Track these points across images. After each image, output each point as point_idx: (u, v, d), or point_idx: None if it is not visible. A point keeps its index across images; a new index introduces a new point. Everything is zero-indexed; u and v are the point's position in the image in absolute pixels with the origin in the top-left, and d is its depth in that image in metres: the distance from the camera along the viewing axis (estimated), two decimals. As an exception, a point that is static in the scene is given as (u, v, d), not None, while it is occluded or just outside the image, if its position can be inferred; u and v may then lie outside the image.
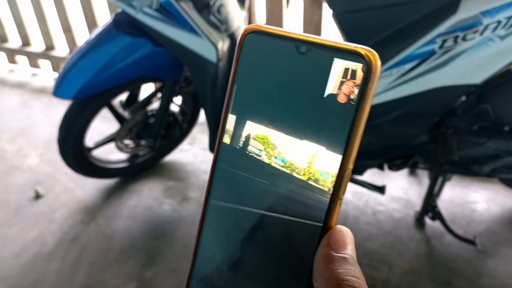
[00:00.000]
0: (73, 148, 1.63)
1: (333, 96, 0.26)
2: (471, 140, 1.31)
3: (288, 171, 0.27)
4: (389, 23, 1.24)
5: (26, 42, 3.00)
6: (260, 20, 2.14)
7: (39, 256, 1.53)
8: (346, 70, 0.25)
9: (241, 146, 0.28)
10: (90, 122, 1.62)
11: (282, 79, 0.27)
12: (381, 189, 1.47)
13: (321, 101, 0.26)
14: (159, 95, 1.76)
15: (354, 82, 0.25)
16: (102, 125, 2.08)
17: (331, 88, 0.26)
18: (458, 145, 1.31)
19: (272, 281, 0.28)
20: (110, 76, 1.51)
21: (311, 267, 0.27)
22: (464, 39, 1.13)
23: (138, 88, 1.79)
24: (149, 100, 1.79)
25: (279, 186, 0.27)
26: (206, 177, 1.89)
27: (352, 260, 0.26)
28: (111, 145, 1.81)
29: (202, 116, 1.91)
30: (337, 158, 0.26)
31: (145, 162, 1.92)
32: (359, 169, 1.48)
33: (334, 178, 0.26)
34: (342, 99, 0.25)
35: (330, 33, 2.42)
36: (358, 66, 0.25)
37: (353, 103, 0.25)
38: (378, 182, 1.56)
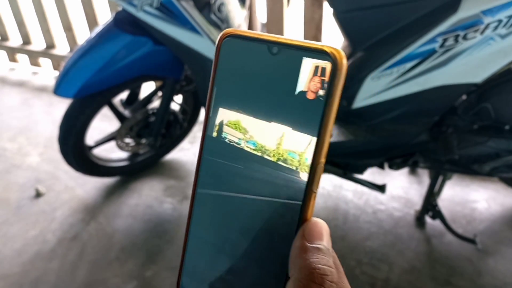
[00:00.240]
0: (73, 147, 1.63)
1: (303, 93, 0.27)
2: (472, 139, 1.31)
3: (264, 157, 0.28)
4: (389, 22, 1.24)
5: (26, 40, 3.00)
6: (261, 18, 2.14)
7: (40, 255, 1.53)
8: (316, 68, 0.26)
9: (222, 138, 0.30)
10: (91, 120, 1.63)
11: (257, 79, 0.28)
12: (381, 188, 1.47)
13: (293, 98, 0.27)
14: (160, 93, 1.76)
15: (322, 79, 0.26)
16: (103, 123, 2.08)
17: (301, 85, 0.27)
18: (458, 144, 1.31)
19: (257, 268, 0.29)
20: (110, 74, 1.51)
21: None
22: (465, 38, 1.13)
23: (139, 87, 1.79)
24: (149, 98, 1.79)
25: (258, 171, 0.29)
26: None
27: (325, 250, 0.26)
28: (112, 144, 1.82)
29: (202, 114, 1.91)
30: (310, 153, 0.27)
31: (146, 160, 1.92)
32: (360, 168, 1.48)
33: (308, 171, 0.27)
34: (311, 95, 0.27)
35: (331, 31, 2.42)
36: (325, 64, 0.26)
37: (321, 99, 0.26)
38: (378, 181, 1.56)
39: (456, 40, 1.14)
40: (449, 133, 1.32)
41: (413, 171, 1.84)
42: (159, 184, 1.88)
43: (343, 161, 1.46)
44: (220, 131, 0.30)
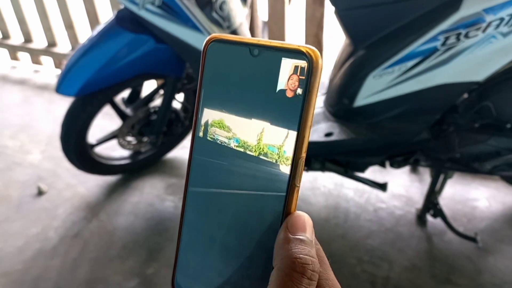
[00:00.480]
0: (75, 145, 1.63)
1: (283, 91, 0.28)
2: (473, 137, 1.31)
3: (246, 152, 0.30)
4: (391, 20, 1.24)
5: (28, 38, 3.00)
6: (262, 16, 2.14)
7: (42, 252, 1.53)
8: (295, 67, 0.28)
9: (208, 137, 0.32)
10: (93, 119, 1.63)
11: (241, 80, 0.30)
12: (382, 186, 1.47)
13: (274, 96, 0.29)
14: (161, 92, 1.77)
15: (300, 78, 0.28)
16: (105, 121, 2.08)
17: (281, 84, 0.28)
18: (459, 142, 1.31)
19: (247, 261, 0.30)
20: (112, 73, 1.51)
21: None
22: (466, 36, 1.13)
23: (141, 85, 1.79)
24: (151, 97, 1.80)
25: (242, 167, 0.30)
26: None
27: (308, 241, 0.28)
28: (113, 142, 1.82)
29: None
30: (288, 146, 0.28)
31: (147, 158, 1.93)
32: (361, 166, 1.48)
33: (290, 165, 0.28)
34: (290, 93, 0.28)
35: (332, 29, 2.42)
36: (302, 64, 0.28)
37: (300, 97, 0.28)
38: (379, 179, 1.57)
39: (457, 39, 1.14)
40: (450, 131, 1.32)
41: (414, 170, 1.84)
42: (161, 182, 1.88)
43: (344, 159, 1.46)
44: (206, 130, 0.32)
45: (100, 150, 1.84)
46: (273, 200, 0.29)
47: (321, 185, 1.79)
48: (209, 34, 1.41)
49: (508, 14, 1.08)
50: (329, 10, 1.97)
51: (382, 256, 1.44)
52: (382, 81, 1.26)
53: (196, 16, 1.39)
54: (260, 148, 0.29)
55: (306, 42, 2.13)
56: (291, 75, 0.28)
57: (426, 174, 1.80)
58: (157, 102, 1.81)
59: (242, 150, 0.30)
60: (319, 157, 1.45)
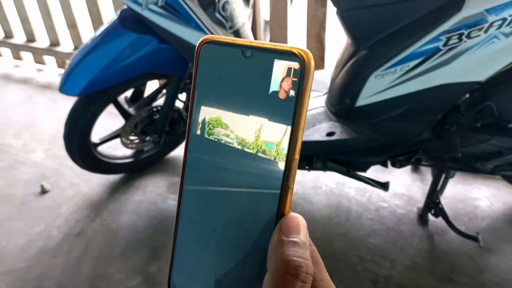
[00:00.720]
0: (79, 144, 1.64)
1: (276, 93, 0.28)
2: (475, 137, 1.32)
3: (244, 150, 0.30)
4: (393, 20, 1.24)
5: (31, 38, 3.01)
6: (265, 16, 2.14)
7: (45, 250, 1.54)
8: (288, 69, 0.28)
9: (205, 135, 0.32)
10: (96, 118, 1.64)
11: (234, 81, 0.30)
12: (384, 186, 1.48)
13: (267, 98, 0.29)
14: (164, 91, 1.77)
15: (293, 79, 0.28)
16: (108, 121, 2.09)
17: (274, 86, 0.28)
18: (461, 142, 1.32)
19: (243, 261, 0.30)
20: (115, 72, 1.52)
21: None
22: (468, 36, 1.14)
23: (144, 85, 1.80)
24: (154, 96, 1.80)
25: (240, 164, 0.30)
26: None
27: (301, 243, 0.27)
28: (117, 141, 1.83)
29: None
30: (286, 143, 0.28)
31: (150, 157, 1.93)
32: (363, 165, 1.49)
33: (284, 169, 0.28)
34: (283, 95, 0.28)
35: (334, 30, 2.43)
36: (295, 65, 0.28)
37: (292, 98, 0.28)
38: (381, 178, 1.57)
39: (460, 39, 1.14)
40: (452, 131, 1.33)
41: (415, 169, 1.84)
42: (163, 180, 1.89)
43: (346, 158, 1.46)
44: (203, 128, 0.32)
45: (103, 149, 1.85)
46: (268, 199, 0.29)
47: (323, 184, 1.80)
48: (212, 34, 1.42)
49: (511, 15, 1.08)
50: (331, 10, 1.97)
51: (384, 255, 1.45)
52: (384, 81, 1.26)
53: (199, 16, 1.40)
54: (258, 146, 0.29)
55: (308, 42, 2.13)
56: (284, 77, 0.28)
57: (427, 174, 1.81)
58: (160, 101, 1.82)
59: (240, 147, 0.30)
60: (321, 156, 1.45)
